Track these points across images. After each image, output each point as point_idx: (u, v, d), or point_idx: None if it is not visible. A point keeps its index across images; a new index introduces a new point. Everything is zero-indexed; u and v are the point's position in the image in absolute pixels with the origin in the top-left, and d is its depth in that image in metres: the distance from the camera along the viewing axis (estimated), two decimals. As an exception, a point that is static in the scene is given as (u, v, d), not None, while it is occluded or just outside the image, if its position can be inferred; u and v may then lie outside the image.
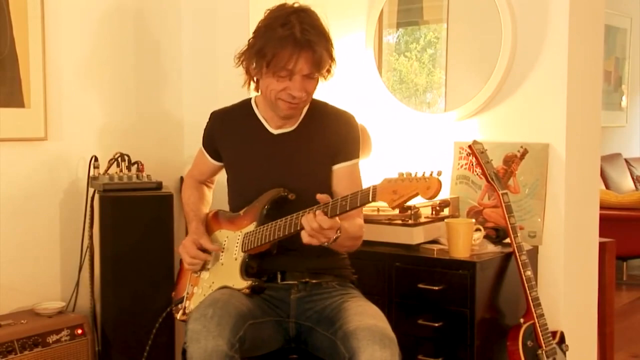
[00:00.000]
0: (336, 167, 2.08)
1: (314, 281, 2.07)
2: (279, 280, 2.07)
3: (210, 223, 2.21)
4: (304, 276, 2.07)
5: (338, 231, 1.84)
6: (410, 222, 2.52)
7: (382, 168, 2.86)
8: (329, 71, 1.98)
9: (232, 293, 1.97)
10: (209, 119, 2.22)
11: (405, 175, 1.70)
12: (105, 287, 2.63)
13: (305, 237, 1.82)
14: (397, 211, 2.55)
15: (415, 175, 1.68)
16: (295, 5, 1.97)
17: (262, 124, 2.10)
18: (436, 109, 3.05)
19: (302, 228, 1.86)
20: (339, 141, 2.07)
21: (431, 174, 1.65)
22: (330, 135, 2.07)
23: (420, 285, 2.41)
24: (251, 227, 2.06)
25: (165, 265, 2.62)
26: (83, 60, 2.89)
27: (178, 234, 2.75)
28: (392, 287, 2.49)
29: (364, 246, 2.15)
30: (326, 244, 1.85)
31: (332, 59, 1.97)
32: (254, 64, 1.98)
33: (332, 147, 2.06)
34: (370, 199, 1.73)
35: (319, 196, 1.84)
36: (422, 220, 2.56)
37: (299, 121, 2.09)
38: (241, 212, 2.11)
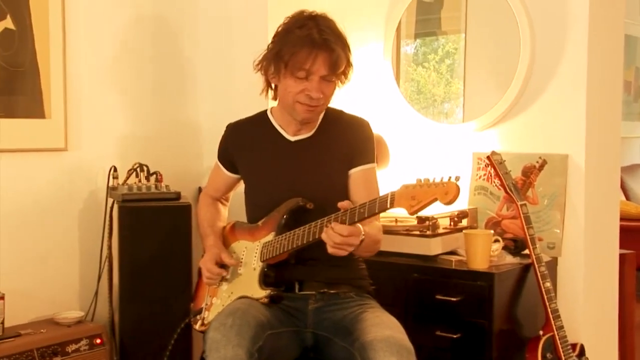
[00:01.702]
0: (352, 171, 2.08)
1: (331, 291, 2.07)
2: (296, 290, 2.08)
3: (228, 235, 2.23)
4: (322, 286, 2.07)
5: (362, 235, 1.86)
6: (428, 233, 2.51)
7: (400, 179, 2.81)
8: (345, 75, 2.01)
9: (250, 303, 1.98)
10: (225, 130, 2.23)
11: (423, 181, 1.70)
12: (124, 297, 2.64)
13: (330, 250, 1.84)
14: (415, 222, 2.55)
15: (434, 180, 1.68)
16: (313, 13, 2.01)
17: (278, 131, 2.11)
18: (454, 119, 3.04)
19: (320, 237, 1.88)
20: (355, 145, 2.08)
21: (449, 179, 1.64)
22: (346, 141, 2.08)
23: (438, 297, 2.41)
24: (269, 237, 2.07)
25: (183, 275, 2.62)
26: (103, 71, 2.92)
27: (196, 244, 2.75)
28: (409, 298, 2.48)
29: (381, 256, 2.16)
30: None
31: (348, 62, 1.99)
32: (273, 68, 2.01)
33: (349, 152, 2.07)
34: (389, 206, 1.73)
35: (340, 204, 1.85)
36: (440, 231, 2.56)
37: (316, 127, 2.10)
38: (260, 223, 2.12)
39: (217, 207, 2.34)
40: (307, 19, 1.96)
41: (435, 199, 1.65)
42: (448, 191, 1.62)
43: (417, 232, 2.53)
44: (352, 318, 1.98)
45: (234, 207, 2.41)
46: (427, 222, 2.51)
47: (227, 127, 2.22)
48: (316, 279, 2.07)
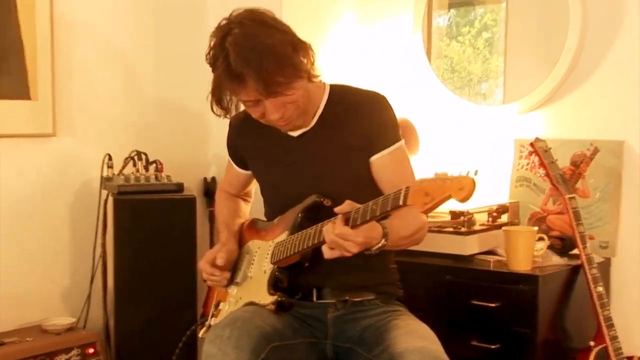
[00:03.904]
0: (375, 158, 2.06)
1: (354, 299, 2.08)
2: (314, 299, 2.09)
3: (245, 233, 2.25)
4: (343, 294, 2.07)
5: (384, 239, 1.82)
6: (463, 229, 2.50)
7: (430, 169, 2.83)
8: (297, 74, 1.92)
9: (256, 311, 1.98)
10: (229, 127, 2.26)
11: (439, 175, 1.67)
12: (120, 301, 2.65)
13: (325, 251, 1.81)
14: (448, 217, 2.53)
15: (451, 175, 1.65)
16: (234, 14, 1.94)
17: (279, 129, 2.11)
18: (493, 100, 3.02)
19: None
20: (372, 127, 2.05)
21: (467, 174, 1.61)
22: (360, 123, 2.05)
23: (475, 302, 2.42)
24: (283, 236, 2.07)
25: (187, 277, 2.64)
26: (96, 48, 2.92)
27: (202, 241, 2.79)
28: (442, 304, 2.50)
29: (410, 256, 2.15)
30: (371, 252, 1.83)
31: (289, 65, 1.90)
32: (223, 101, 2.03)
33: (365, 136, 2.05)
34: (402, 202, 1.69)
35: (337, 209, 1.82)
36: (477, 227, 2.55)
37: (315, 117, 2.09)
38: (275, 221, 2.14)
39: (236, 203, 2.37)
40: (225, 37, 1.90)
41: (449, 196, 1.62)
42: (463, 187, 1.59)
43: (451, 229, 2.52)
44: (380, 327, 1.98)
45: (258, 203, 2.41)
46: (462, 218, 2.50)
47: (230, 123, 2.24)
48: (337, 286, 2.07)
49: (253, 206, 2.41)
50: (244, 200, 2.40)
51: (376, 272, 2.12)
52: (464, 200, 1.59)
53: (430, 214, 2.50)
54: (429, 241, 2.43)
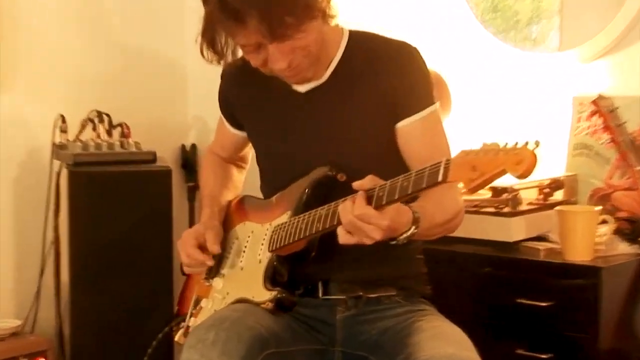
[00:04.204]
0: (402, 125, 2.07)
1: (370, 295, 2.09)
2: (319, 294, 2.10)
3: (233, 213, 2.27)
4: (355, 288, 2.09)
5: (414, 226, 1.83)
6: (506, 210, 2.51)
7: (465, 135, 2.86)
8: (309, 13, 1.92)
9: (248, 309, 2.00)
10: (221, 77, 2.27)
11: (489, 146, 1.65)
12: (77, 298, 2.67)
13: (341, 234, 1.82)
14: (488, 194, 2.53)
15: (505, 146, 1.64)
16: None
17: (283, 81, 2.11)
18: (546, 47, 3.02)
19: None
20: (400, 85, 2.06)
21: (525, 145, 1.61)
22: (385, 79, 2.06)
23: (521, 300, 2.42)
24: (284, 217, 2.08)
25: (161, 267, 2.67)
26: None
27: (179, 225, 2.82)
28: (480, 302, 2.51)
29: (440, 244, 2.13)
30: (397, 242, 1.84)
31: (298, 2, 1.88)
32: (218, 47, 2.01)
33: (391, 96, 2.06)
34: (441, 178, 1.67)
35: (356, 184, 1.82)
36: (524, 207, 2.55)
37: (329, 69, 2.10)
38: (274, 199, 2.16)
39: (227, 171, 2.40)
40: None
41: (503, 171, 1.61)
42: (521, 160, 1.58)
43: (492, 210, 2.53)
44: (401, 330, 2.00)
45: (252, 175, 2.42)
46: (505, 195, 2.50)
47: (223, 73, 2.26)
48: (348, 279, 2.09)
49: (246, 180, 2.44)
50: (238, 166, 2.43)
51: (398, 262, 2.14)
52: (522, 176, 1.59)
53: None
54: (464, 224, 2.39)
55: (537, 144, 1.60)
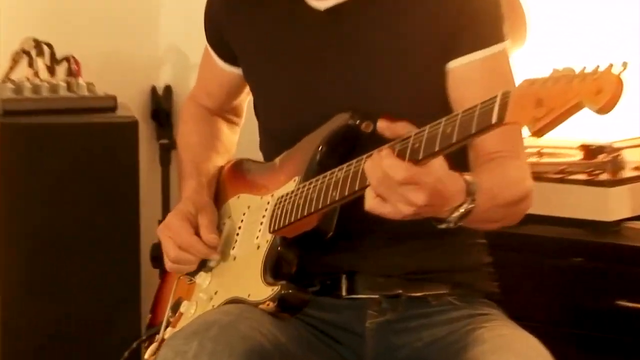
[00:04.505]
0: (455, 65, 2.05)
1: (412, 294, 2.07)
2: (343, 292, 2.08)
3: (225, 183, 2.27)
4: (393, 285, 2.07)
5: (470, 199, 1.76)
6: (604, 177, 2.50)
7: (544, 65, 2.74)
8: None
9: (243, 312, 1.97)
10: None
11: (560, 72, 1.61)
12: (8, 302, 2.66)
13: (369, 199, 1.76)
14: (579, 155, 2.52)
15: (581, 71, 1.59)
16: None
17: None
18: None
19: None
20: (457, 12, 2.05)
21: (609, 68, 1.54)
22: (437, 1, 2.06)
23: (622, 302, 2.40)
24: (290, 185, 2.05)
25: (124, 258, 2.66)
26: None
27: (148, 196, 2.83)
28: (564, 305, 2.52)
29: (508, 227, 2.09)
30: (447, 224, 1.78)
31: None
32: None
33: (443, 24, 2.05)
34: (495, 119, 1.62)
35: (383, 126, 1.79)
36: (629, 174, 2.55)
37: None
38: (277, 161, 2.14)
39: (215, 128, 2.41)
40: None
41: (579, 105, 1.54)
42: (602, 89, 1.51)
43: (582, 177, 2.52)
44: (455, 341, 1.99)
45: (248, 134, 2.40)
46: (602, 157, 2.50)
47: None
48: (382, 271, 2.07)
49: (241, 140, 2.43)
50: (229, 122, 2.43)
51: (452, 249, 2.11)
52: (604, 109, 1.51)
53: (548, 150, 2.55)
54: (543, 197, 2.42)
55: (624, 65, 1.53)
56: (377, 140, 1.82)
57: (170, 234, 2.12)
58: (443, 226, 1.77)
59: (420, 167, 1.69)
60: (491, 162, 1.95)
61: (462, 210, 1.76)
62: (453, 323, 2.03)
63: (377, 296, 2.06)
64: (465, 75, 2.04)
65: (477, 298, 2.12)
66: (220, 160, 2.33)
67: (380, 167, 1.71)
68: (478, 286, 2.14)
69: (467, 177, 1.79)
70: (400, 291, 2.06)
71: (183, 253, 2.12)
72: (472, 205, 1.76)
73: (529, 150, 2.51)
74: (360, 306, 2.07)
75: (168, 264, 2.17)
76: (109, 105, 2.73)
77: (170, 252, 2.13)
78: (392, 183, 1.69)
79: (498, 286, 2.17)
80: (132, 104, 2.97)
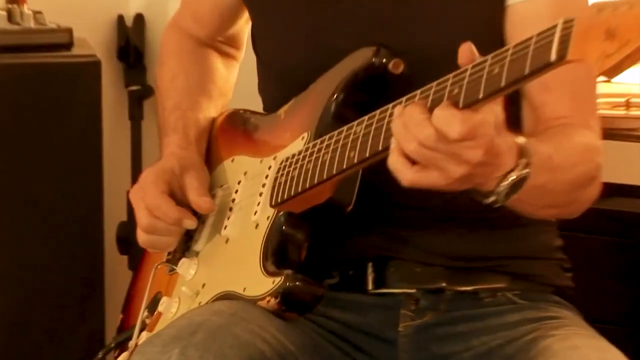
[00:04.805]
0: (516, 1, 2.07)
1: (460, 288, 2.07)
2: (369, 285, 2.08)
3: (217, 141, 2.30)
4: (434, 276, 2.07)
5: (524, 165, 1.73)
6: None
7: None
8: None
9: (238, 311, 1.97)
10: None
11: None
12: None
13: (393, 162, 1.74)
14: None
15: None
16: None
17: None
18: None
19: None
20: None
21: None
22: None
23: None
24: (297, 144, 2.06)
25: (85, 239, 2.65)
26: None
27: (114, 159, 2.86)
28: None
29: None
30: (495, 197, 1.74)
31: None
32: None
33: None
34: (555, 56, 1.59)
35: (463, 48, 1.74)
36: None
37: None
38: (281, 112, 2.16)
39: (207, 63, 2.44)
40: None
41: None
42: None
43: None
44: (515, 352, 1.98)
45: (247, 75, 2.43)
46: None
47: None
48: (419, 257, 2.07)
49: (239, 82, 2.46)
50: (224, 55, 2.47)
51: (512, 231, 2.11)
52: None
53: (635, 102, 2.56)
54: (630, 162, 2.44)
55: None
56: (409, 86, 1.81)
57: (142, 194, 2.13)
58: (489, 201, 1.73)
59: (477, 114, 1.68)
60: (554, 128, 1.95)
61: (513, 176, 1.72)
62: (513, 328, 2.01)
63: (413, 291, 2.05)
64: (528, 17, 2.04)
65: (545, 294, 2.11)
66: (214, 108, 2.34)
67: (420, 123, 1.67)
68: (546, 279, 2.13)
69: (522, 144, 1.76)
70: (444, 284, 2.05)
71: (156, 220, 2.12)
72: (527, 171, 1.73)
73: (613, 100, 2.52)
74: (392, 304, 2.06)
75: (141, 237, 2.17)
76: (63, 40, 2.74)
77: (141, 218, 2.13)
78: (442, 143, 1.66)
79: (572, 279, 2.17)
80: (93, 38, 2.99)
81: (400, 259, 2.05)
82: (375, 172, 1.86)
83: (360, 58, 2.01)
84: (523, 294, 2.07)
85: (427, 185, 1.69)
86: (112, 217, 2.46)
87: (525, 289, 2.08)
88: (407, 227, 2.06)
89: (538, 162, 1.76)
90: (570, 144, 1.94)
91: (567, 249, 2.18)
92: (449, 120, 1.65)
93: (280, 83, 2.19)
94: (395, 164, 1.71)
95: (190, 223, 2.12)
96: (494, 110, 1.69)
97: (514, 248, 2.10)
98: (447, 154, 1.66)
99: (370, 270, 2.06)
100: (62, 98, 2.67)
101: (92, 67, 2.69)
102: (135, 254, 2.24)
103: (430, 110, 1.68)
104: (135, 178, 2.80)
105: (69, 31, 2.76)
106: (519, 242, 2.11)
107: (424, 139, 1.66)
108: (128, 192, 2.15)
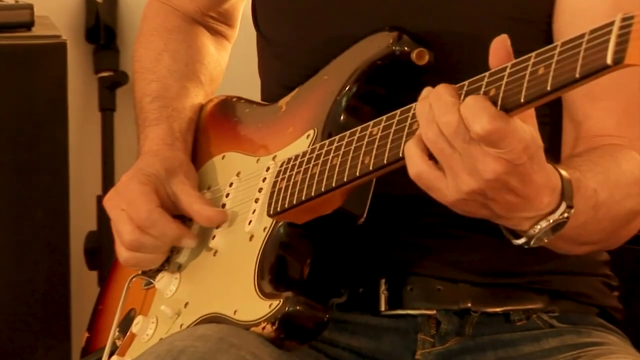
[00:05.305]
0: None
1: (488, 309, 1.98)
2: (382, 305, 1.97)
3: (206, 133, 2.23)
4: (459, 295, 1.98)
5: (567, 206, 1.65)
6: None
7: None
8: None
9: (227, 336, 1.86)
10: None
11: None
12: None
13: (412, 163, 1.65)
14: None
15: None
16: None
17: None
18: None
19: None
20: None
21: None
22: None
23: None
24: (301, 143, 1.98)
25: (49, 250, 2.70)
26: None
27: (83, 157, 2.75)
28: None
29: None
30: (527, 240, 1.66)
31: None
32: None
33: None
34: (611, 58, 1.45)
35: (497, 42, 1.63)
36: None
37: None
38: (282, 103, 2.09)
39: (196, 42, 2.36)
40: None
41: None
42: None
43: None
44: None
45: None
46: None
47: None
48: (442, 273, 1.98)
49: (230, 75, 2.41)
50: (216, 33, 2.39)
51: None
52: None
53: None
54: None
55: None
56: (434, 79, 1.69)
57: (125, 205, 2.01)
58: (519, 242, 1.66)
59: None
60: (598, 150, 1.85)
61: (555, 217, 1.64)
62: (550, 356, 1.94)
63: (433, 312, 1.96)
64: (581, 4, 1.97)
65: (588, 316, 2.03)
66: (203, 96, 2.25)
67: (446, 105, 1.59)
68: (589, 298, 2.05)
69: (563, 170, 1.68)
70: (470, 304, 1.96)
71: (145, 236, 1.99)
72: (567, 215, 1.66)
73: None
74: (408, 328, 1.97)
75: (122, 254, 2.04)
76: (23, 19, 2.70)
77: (124, 233, 2.00)
78: (461, 136, 1.57)
79: (619, 298, 2.08)
80: (58, 17, 2.96)
81: (418, 275, 1.96)
82: (391, 177, 1.79)
83: (377, 45, 1.94)
84: (562, 316, 1.99)
85: (432, 188, 1.61)
86: (80, 225, 2.38)
87: (564, 310, 1.99)
88: (427, 236, 1.96)
89: (582, 201, 1.71)
90: (617, 175, 1.83)
91: (614, 264, 2.11)
92: (479, 111, 1.55)
93: (283, 65, 2.11)
94: (411, 149, 1.63)
95: (191, 243, 2.02)
96: (531, 133, 1.60)
97: (552, 263, 1.99)
98: (462, 152, 1.57)
99: (383, 287, 1.96)
100: (21, 85, 2.63)
101: (56, 50, 2.63)
102: (102, 268, 2.04)
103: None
104: (106, 180, 2.78)
105: (30, 8, 2.72)
106: (558, 256, 1.94)
107: (444, 124, 1.57)
108: (99, 197, 2.00)
